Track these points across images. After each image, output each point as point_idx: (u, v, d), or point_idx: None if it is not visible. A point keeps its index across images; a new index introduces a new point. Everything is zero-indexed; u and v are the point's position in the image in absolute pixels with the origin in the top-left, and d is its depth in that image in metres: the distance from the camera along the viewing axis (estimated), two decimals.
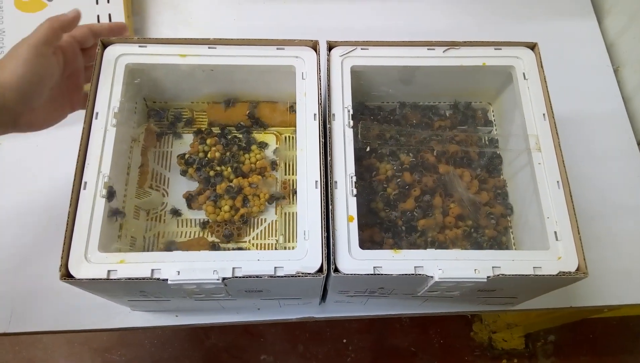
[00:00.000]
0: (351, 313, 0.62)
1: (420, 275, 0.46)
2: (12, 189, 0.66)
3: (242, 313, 0.62)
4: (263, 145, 0.63)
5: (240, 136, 0.63)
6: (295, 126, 0.52)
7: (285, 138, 0.65)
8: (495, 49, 0.57)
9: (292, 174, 0.63)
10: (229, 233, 0.58)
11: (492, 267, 0.47)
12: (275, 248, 0.59)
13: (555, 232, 0.50)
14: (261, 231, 0.60)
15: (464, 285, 0.48)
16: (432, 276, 0.47)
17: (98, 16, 0.71)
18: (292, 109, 0.62)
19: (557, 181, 0.52)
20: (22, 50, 0.47)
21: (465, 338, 1.34)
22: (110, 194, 0.49)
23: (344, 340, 1.32)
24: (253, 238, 0.59)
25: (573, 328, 1.34)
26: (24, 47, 0.47)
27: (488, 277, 0.46)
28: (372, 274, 0.46)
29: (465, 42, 0.57)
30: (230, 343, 1.29)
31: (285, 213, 0.61)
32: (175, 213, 0.59)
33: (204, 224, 0.59)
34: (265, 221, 0.60)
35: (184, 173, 0.61)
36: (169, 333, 1.28)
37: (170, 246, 0.57)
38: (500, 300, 0.58)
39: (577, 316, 1.15)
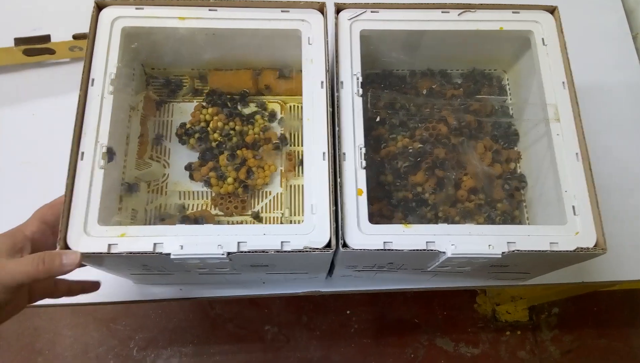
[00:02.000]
0: (358, 288, 0.61)
1: (432, 250, 0.45)
2: (9, 159, 0.64)
3: (247, 287, 0.61)
4: (260, 112, 0.60)
5: (243, 105, 0.61)
6: (301, 95, 0.50)
7: (290, 107, 0.62)
8: (513, 12, 0.54)
9: (298, 145, 0.60)
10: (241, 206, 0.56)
11: (507, 242, 0.46)
12: (281, 222, 0.57)
13: (573, 206, 0.48)
14: (266, 204, 0.58)
15: (476, 261, 0.46)
16: (444, 252, 0.45)
17: None
18: (299, 76, 0.59)
19: (576, 153, 0.50)
20: None
21: (469, 310, 1.34)
22: (110, 154, 0.47)
23: (348, 312, 1.32)
24: (258, 212, 0.58)
25: (577, 301, 1.33)
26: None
27: (503, 253, 0.45)
28: (382, 249, 0.45)
29: (481, 4, 0.54)
30: (236, 314, 1.29)
31: (291, 186, 0.59)
32: (184, 217, 0.55)
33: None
34: (270, 194, 0.58)
35: (183, 142, 0.58)
36: (174, 304, 1.28)
37: (172, 219, 0.55)
38: (512, 276, 0.57)
39: (583, 289, 1.14)
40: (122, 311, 1.27)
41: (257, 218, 0.56)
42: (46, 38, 0.64)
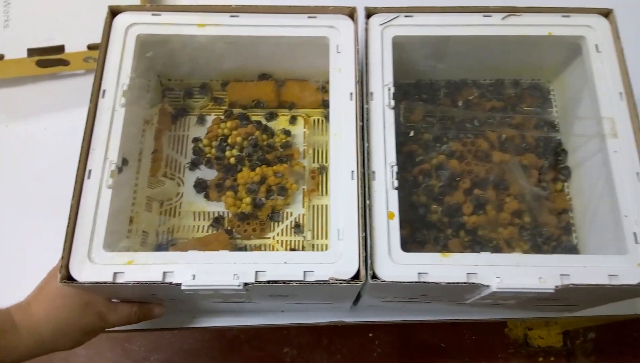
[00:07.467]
0: (385, 318, 0.56)
1: (473, 284, 0.39)
2: (19, 173, 0.61)
3: (264, 316, 0.57)
4: (287, 132, 0.55)
5: (264, 119, 0.56)
6: (327, 108, 0.45)
7: (315, 120, 0.57)
8: (562, 16, 0.49)
9: (321, 161, 0.56)
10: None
11: (560, 275, 0.40)
12: (303, 246, 0.52)
13: (635, 233, 0.42)
14: (287, 226, 0.53)
15: (524, 295, 0.41)
16: (488, 285, 0.40)
17: None
18: (324, 88, 0.55)
19: (637, 173, 0.44)
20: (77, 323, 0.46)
21: (499, 334, 1.26)
22: (120, 172, 0.44)
23: (370, 334, 1.26)
24: (278, 234, 0.53)
25: (615, 327, 1.25)
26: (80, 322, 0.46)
27: (556, 287, 0.39)
28: (416, 282, 0.40)
29: (528, 8, 0.49)
30: (253, 335, 1.25)
31: (314, 206, 0.54)
32: (217, 221, 0.52)
33: (217, 221, 0.52)
34: (291, 215, 0.54)
35: (194, 163, 0.54)
36: None
37: (183, 244, 0.51)
38: (559, 308, 0.51)
39: (624, 316, 1.06)
40: (137, 331, 1.23)
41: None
42: (60, 48, 0.61)
